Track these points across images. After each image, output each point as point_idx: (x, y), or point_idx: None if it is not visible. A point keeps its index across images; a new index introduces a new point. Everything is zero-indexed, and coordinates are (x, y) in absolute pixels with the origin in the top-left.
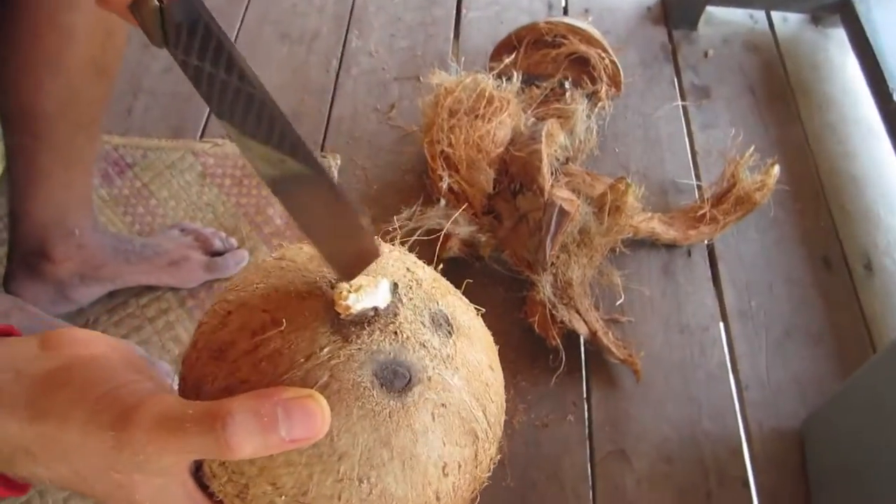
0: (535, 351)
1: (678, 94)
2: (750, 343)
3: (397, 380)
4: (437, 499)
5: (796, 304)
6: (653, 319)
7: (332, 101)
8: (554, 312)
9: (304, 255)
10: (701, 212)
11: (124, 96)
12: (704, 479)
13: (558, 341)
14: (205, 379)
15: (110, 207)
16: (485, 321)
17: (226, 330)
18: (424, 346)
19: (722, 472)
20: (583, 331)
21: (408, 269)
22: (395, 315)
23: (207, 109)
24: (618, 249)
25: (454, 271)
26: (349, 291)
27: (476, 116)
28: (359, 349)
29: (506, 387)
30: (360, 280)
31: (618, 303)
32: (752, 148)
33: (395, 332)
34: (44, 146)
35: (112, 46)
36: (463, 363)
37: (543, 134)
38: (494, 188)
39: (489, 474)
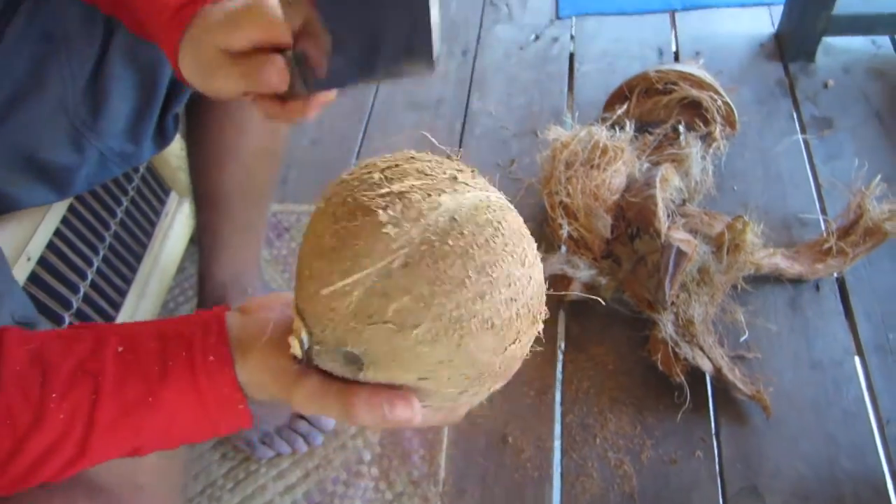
0: (659, 388)
1: (798, 128)
2: (890, 378)
3: None
4: None
5: None
6: (781, 355)
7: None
8: (677, 350)
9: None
10: (827, 245)
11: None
12: None
13: (682, 378)
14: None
15: (272, 266)
16: (608, 360)
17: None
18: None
19: None
20: (707, 367)
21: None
22: (312, 360)
23: None
24: (740, 286)
25: (577, 313)
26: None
27: (592, 166)
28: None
29: (632, 423)
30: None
31: (742, 339)
32: (878, 177)
33: (326, 372)
34: (224, 220)
35: (278, 135)
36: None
37: (657, 179)
38: (612, 233)
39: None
